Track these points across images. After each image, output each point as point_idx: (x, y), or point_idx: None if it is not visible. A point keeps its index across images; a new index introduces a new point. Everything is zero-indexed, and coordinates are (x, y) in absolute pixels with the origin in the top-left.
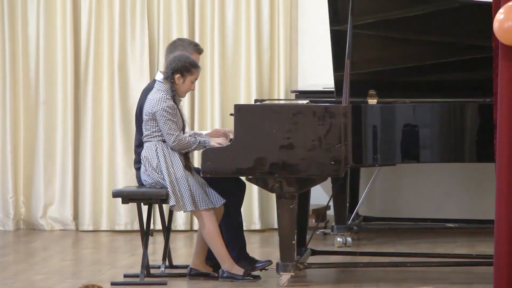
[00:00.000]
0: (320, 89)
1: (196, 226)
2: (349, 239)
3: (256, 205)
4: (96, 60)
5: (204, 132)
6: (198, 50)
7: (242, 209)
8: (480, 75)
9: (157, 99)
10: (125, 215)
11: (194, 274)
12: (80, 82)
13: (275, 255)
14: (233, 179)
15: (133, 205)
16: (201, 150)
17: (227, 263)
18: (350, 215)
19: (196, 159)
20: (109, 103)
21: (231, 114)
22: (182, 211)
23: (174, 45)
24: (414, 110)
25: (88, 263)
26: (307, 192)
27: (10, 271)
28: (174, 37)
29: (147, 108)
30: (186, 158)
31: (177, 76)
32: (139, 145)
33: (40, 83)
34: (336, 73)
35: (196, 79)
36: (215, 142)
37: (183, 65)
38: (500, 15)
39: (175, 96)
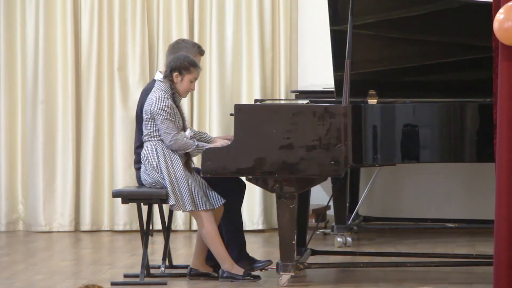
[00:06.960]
0: (320, 89)
1: (195, 226)
2: (349, 239)
3: (258, 205)
4: (97, 60)
5: (213, 136)
6: (201, 51)
7: (244, 209)
8: (480, 75)
9: (156, 98)
10: (125, 215)
11: (194, 274)
12: (82, 82)
13: (275, 255)
14: (233, 179)
15: (133, 205)
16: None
17: (227, 263)
18: (350, 215)
19: (196, 159)
20: (109, 103)
21: (231, 114)
22: (181, 211)
23: (177, 46)
24: (414, 110)
25: (88, 263)
26: (307, 192)
27: (10, 271)
28: (174, 37)
29: (146, 108)
30: (186, 157)
31: (175, 74)
32: (139, 146)
33: (39, 83)
34: (336, 73)
35: (196, 78)
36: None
37: (181, 63)
38: (500, 15)
39: (174, 95)
